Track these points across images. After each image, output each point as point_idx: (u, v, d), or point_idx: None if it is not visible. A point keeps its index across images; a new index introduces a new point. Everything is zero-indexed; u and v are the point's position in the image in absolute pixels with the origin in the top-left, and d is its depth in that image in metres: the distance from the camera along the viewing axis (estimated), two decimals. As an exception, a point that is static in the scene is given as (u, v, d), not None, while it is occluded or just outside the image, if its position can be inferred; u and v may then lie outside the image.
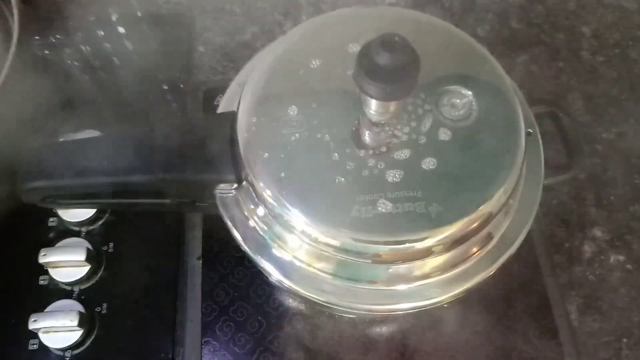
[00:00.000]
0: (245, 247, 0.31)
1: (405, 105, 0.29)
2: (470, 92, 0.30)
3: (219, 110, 0.34)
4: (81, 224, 0.42)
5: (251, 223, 0.30)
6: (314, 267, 0.29)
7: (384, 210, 0.27)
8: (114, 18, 0.53)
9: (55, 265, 0.39)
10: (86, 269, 0.39)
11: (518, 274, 0.39)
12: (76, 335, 0.37)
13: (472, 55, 0.32)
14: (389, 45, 0.23)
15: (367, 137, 0.29)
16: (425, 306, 0.30)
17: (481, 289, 0.31)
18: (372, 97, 0.24)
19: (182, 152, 0.30)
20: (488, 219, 0.28)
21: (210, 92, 0.46)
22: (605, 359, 0.40)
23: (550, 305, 0.39)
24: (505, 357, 0.37)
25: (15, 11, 0.43)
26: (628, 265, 0.43)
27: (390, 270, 0.29)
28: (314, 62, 0.31)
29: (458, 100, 0.30)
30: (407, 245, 0.27)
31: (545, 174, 0.32)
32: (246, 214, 0.31)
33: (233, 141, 0.30)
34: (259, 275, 0.39)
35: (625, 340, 0.40)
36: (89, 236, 0.41)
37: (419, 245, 0.27)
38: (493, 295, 0.39)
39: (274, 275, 0.30)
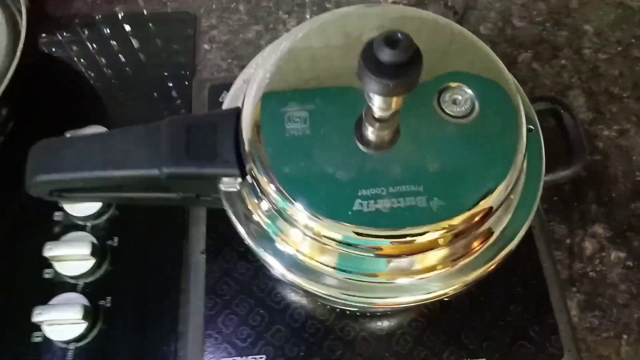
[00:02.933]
0: (248, 241, 0.31)
1: (408, 101, 0.29)
2: (472, 89, 0.30)
3: (224, 106, 0.34)
4: (86, 218, 0.42)
5: (255, 217, 0.31)
6: (316, 261, 0.30)
7: (386, 205, 0.27)
8: (120, 16, 0.54)
9: (60, 258, 0.40)
10: (91, 262, 0.40)
11: (518, 270, 0.39)
12: (80, 328, 0.38)
13: (475, 52, 0.32)
14: (392, 42, 0.23)
15: (369, 132, 0.29)
16: (426, 300, 0.30)
17: (481, 283, 0.31)
18: (375, 93, 0.25)
19: (187, 148, 0.31)
20: (489, 214, 0.28)
21: (215, 89, 0.47)
22: (605, 355, 0.40)
23: (550, 301, 0.39)
24: (505, 353, 0.37)
25: (24, 9, 0.43)
26: (629, 262, 0.43)
27: (391, 263, 0.29)
28: (317, 59, 0.31)
29: (460, 97, 0.30)
30: (408, 239, 0.27)
31: (546, 171, 0.32)
32: (250, 208, 0.31)
33: (237, 136, 0.30)
34: (261, 269, 0.39)
35: (625, 336, 0.40)
36: (94, 230, 0.42)
37: (420, 239, 0.27)
38: (493, 290, 0.39)
39: (277, 268, 0.30)
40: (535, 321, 0.38)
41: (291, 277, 0.30)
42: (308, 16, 0.54)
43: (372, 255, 0.28)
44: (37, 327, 0.38)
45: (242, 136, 0.30)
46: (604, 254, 0.43)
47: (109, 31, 0.53)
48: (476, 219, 0.28)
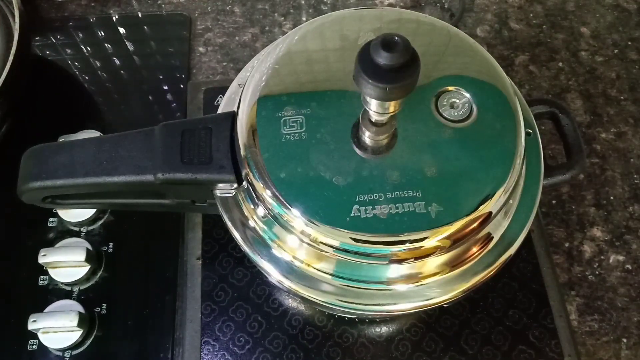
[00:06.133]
0: (244, 247, 0.31)
1: (405, 105, 0.29)
2: (469, 93, 0.30)
3: (219, 110, 0.34)
4: (81, 224, 0.42)
5: (251, 223, 0.31)
6: (313, 267, 0.29)
7: (383, 210, 0.27)
8: (114, 18, 0.53)
9: (55, 265, 0.39)
10: (86, 269, 0.39)
11: (518, 274, 0.39)
12: (76, 335, 0.37)
13: (472, 55, 0.32)
14: (389, 45, 0.23)
15: (367, 137, 0.29)
16: (425, 306, 0.29)
17: (481, 289, 0.31)
18: (372, 97, 0.24)
19: (182, 153, 0.30)
20: (488, 219, 0.28)
21: (211, 92, 0.46)
22: (605, 359, 0.40)
23: (549, 305, 0.39)
24: (504, 358, 0.37)
25: (17, 11, 0.43)
26: (627, 265, 0.43)
27: (390, 270, 0.29)
28: (313, 63, 0.31)
29: (457, 101, 0.30)
30: (406, 245, 0.27)
31: (545, 174, 0.32)
32: (246, 214, 0.31)
33: (233, 141, 0.30)
34: (258, 275, 0.39)
35: (624, 340, 0.40)
36: (88, 236, 0.41)
37: (418, 246, 0.27)
38: (492, 295, 0.39)
39: (274, 275, 0.30)
40: (535, 326, 0.38)
41: (288, 284, 0.30)
42: (304, 19, 0.54)
43: (370, 261, 0.28)
44: (32, 335, 0.38)
45: (238, 141, 0.30)
46: (602, 257, 0.43)
47: (103, 34, 0.52)
48: (475, 224, 0.28)
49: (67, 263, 0.39)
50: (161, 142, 0.31)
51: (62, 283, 0.40)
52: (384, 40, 0.23)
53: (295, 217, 0.27)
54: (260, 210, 0.30)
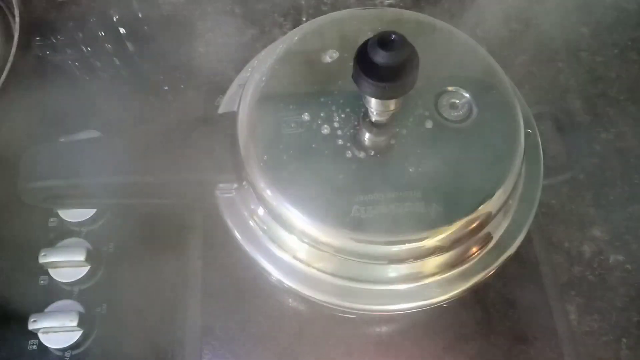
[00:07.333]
0: (245, 247, 0.31)
1: (405, 105, 0.29)
2: (469, 93, 0.30)
3: (220, 110, 0.34)
4: (81, 224, 0.42)
5: (251, 223, 0.31)
6: (313, 267, 0.29)
7: (383, 210, 0.27)
8: (114, 19, 0.53)
9: (55, 265, 0.39)
10: (86, 269, 0.39)
11: (517, 274, 0.39)
12: (76, 335, 0.37)
13: (472, 55, 0.32)
14: (386, 43, 0.23)
15: (367, 137, 0.29)
16: (424, 306, 0.30)
17: (481, 289, 0.31)
18: (370, 95, 0.25)
19: (182, 152, 0.30)
20: (487, 219, 0.28)
21: (211, 93, 0.46)
22: (605, 359, 0.40)
23: (549, 305, 0.39)
24: (504, 357, 0.37)
25: (17, 11, 0.43)
26: (627, 265, 0.43)
27: (389, 270, 0.29)
28: (313, 63, 0.31)
29: (457, 101, 0.30)
30: (406, 245, 0.27)
31: (545, 174, 0.32)
32: (246, 214, 0.31)
33: (233, 141, 0.30)
34: (259, 275, 0.39)
35: (624, 340, 0.40)
36: (89, 236, 0.41)
37: (418, 245, 0.27)
38: (493, 295, 0.39)
39: (274, 275, 0.30)
40: (534, 326, 0.38)
41: (288, 283, 0.30)
42: (304, 19, 0.54)
43: (369, 261, 0.28)
44: (32, 335, 0.38)
45: (238, 141, 0.30)
46: (602, 257, 0.43)
47: (103, 34, 0.52)
48: (475, 224, 0.28)
49: (67, 263, 0.39)
50: (162, 142, 0.31)
51: (63, 283, 0.40)
52: (380, 39, 0.23)
53: (295, 217, 0.27)
54: (261, 210, 0.30)
